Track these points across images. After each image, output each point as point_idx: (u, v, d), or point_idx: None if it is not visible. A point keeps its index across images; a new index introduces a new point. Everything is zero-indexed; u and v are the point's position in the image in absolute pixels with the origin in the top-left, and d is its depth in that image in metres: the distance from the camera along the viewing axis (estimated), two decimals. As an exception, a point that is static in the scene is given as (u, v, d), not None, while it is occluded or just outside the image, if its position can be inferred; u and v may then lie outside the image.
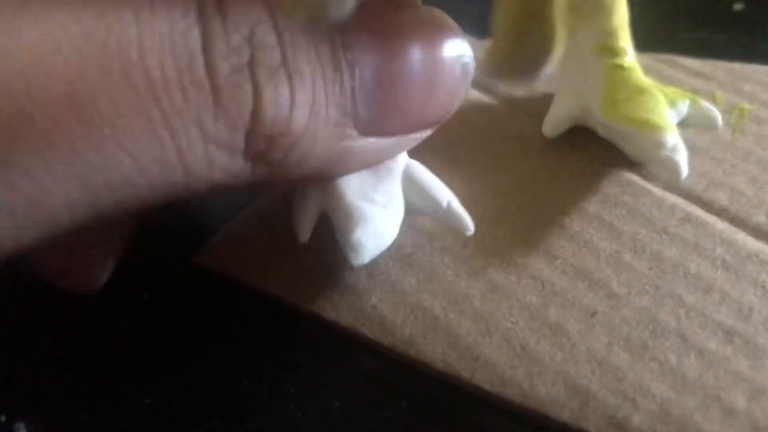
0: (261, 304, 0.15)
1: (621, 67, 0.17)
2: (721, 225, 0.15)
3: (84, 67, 0.09)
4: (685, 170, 0.15)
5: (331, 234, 0.13)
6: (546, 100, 0.18)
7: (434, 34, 0.12)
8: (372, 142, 0.12)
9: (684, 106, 0.17)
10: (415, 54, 0.12)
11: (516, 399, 0.12)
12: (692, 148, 0.17)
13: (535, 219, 0.16)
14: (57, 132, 0.09)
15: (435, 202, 0.14)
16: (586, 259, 0.14)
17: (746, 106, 0.18)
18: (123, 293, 0.15)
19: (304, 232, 0.13)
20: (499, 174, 0.17)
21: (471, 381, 0.12)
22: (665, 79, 0.19)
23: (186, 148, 0.10)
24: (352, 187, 0.13)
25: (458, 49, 0.12)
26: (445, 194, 0.14)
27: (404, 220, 0.13)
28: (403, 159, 0.14)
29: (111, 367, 0.14)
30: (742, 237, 0.15)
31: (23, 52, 0.09)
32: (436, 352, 0.13)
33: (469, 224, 0.14)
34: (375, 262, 0.15)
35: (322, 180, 0.13)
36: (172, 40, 0.10)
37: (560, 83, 0.18)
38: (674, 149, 0.15)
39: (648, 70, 0.17)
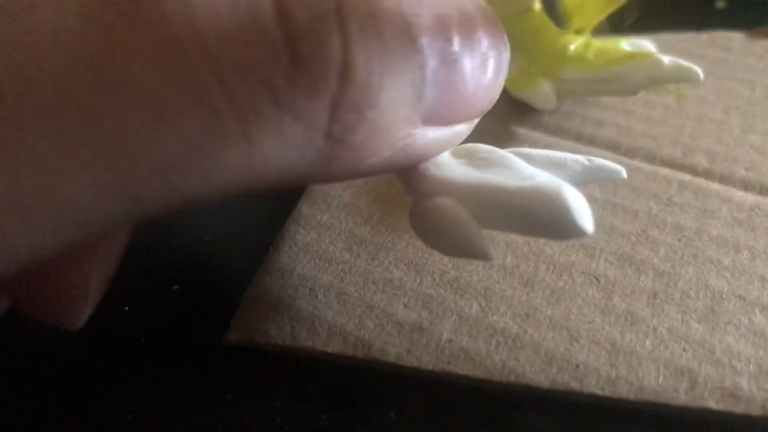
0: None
1: (561, 33, 0.18)
2: (714, 186, 0.16)
3: (99, 16, 0.07)
4: (697, 68, 0.16)
5: (366, 274, 0.12)
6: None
7: (484, 15, 0.11)
8: (434, 131, 0.10)
9: (625, 44, 0.18)
10: (477, 34, 0.10)
11: (632, 397, 0.12)
12: (651, 120, 0.19)
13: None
14: (68, 102, 0.07)
15: (576, 163, 0.12)
16: (621, 244, 0.15)
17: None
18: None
19: (485, 249, 0.10)
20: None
21: (582, 391, 0.12)
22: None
23: (251, 121, 0.08)
24: (499, 179, 0.10)
25: (501, 31, 0.11)
26: (572, 155, 0.12)
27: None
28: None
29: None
30: (737, 193, 0.16)
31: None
32: (536, 372, 0.13)
33: (619, 167, 0.12)
34: (427, 294, 0.14)
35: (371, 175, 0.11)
36: None
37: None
38: (673, 59, 0.16)
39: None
